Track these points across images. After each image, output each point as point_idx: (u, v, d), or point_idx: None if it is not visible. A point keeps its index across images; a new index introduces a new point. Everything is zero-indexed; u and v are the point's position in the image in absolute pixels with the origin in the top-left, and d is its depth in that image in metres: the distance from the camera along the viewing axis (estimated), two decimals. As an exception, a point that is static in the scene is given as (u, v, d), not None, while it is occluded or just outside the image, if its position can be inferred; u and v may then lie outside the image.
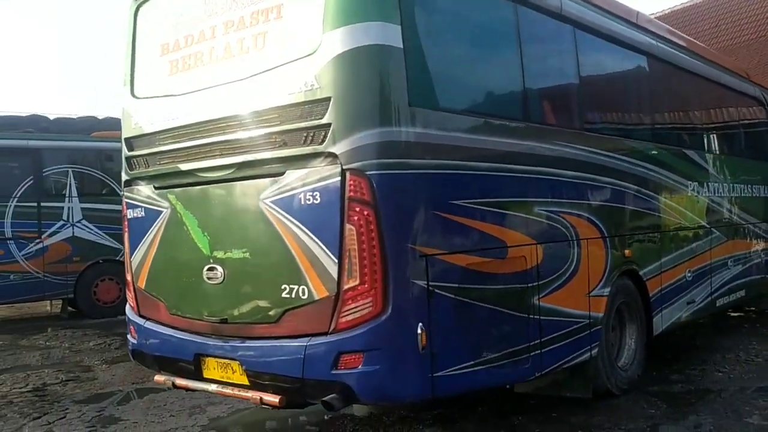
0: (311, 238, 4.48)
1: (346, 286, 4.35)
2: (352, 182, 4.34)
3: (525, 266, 5.39)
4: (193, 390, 5.20)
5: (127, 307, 5.77)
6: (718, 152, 9.24)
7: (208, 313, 5.05)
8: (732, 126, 10.20)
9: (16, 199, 12.87)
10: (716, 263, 8.58)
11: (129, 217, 5.70)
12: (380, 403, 5.29)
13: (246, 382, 4.79)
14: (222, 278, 4.92)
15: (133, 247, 5.64)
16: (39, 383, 8.06)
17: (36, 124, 14.31)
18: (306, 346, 4.45)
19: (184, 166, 5.17)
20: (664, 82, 7.90)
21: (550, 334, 5.59)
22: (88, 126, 14.63)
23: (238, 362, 4.81)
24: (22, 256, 12.88)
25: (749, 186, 9.90)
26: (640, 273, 6.95)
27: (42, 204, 13.06)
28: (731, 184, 9.26)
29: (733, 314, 10.73)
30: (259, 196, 4.75)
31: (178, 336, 5.22)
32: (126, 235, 5.73)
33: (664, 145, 7.75)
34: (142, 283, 5.56)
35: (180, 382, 5.18)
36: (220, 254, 4.96)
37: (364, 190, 4.33)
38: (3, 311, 14.56)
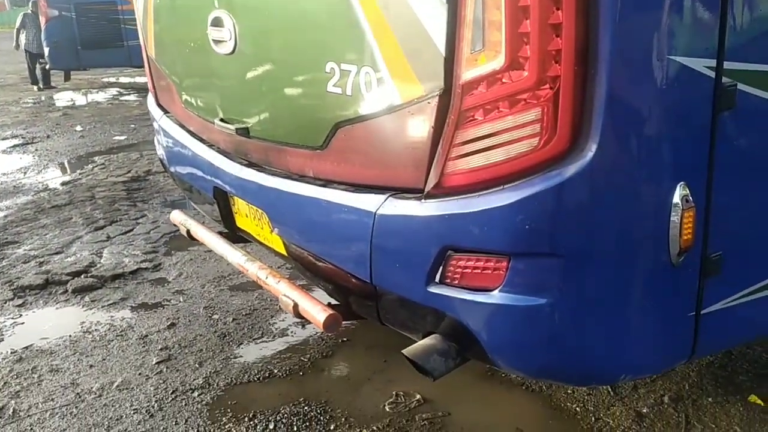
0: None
1: (468, 72, 1.53)
2: None
3: None
4: (211, 250, 2.92)
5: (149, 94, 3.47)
6: None
7: (223, 111, 2.56)
8: None
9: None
10: None
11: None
12: (550, 381, 2.57)
13: (283, 251, 2.39)
14: (232, 41, 2.30)
15: (136, -18, 3.14)
16: (143, 171, 6.51)
17: None
18: (375, 214, 1.82)
19: None
20: None
21: None
22: None
23: (267, 216, 2.37)
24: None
25: None
26: None
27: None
28: None
29: None
30: None
31: (193, 149, 2.84)
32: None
33: None
34: (151, 49, 3.14)
35: (195, 231, 2.92)
36: (225, -11, 2.29)
37: None
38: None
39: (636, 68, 1.47)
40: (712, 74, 1.54)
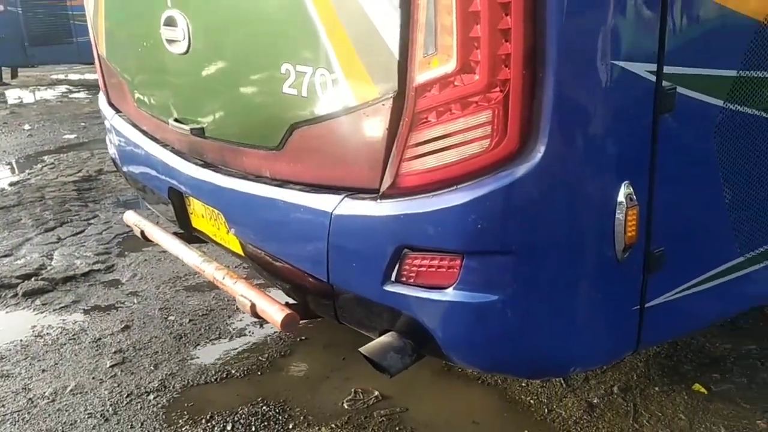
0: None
1: (421, 75, 1.57)
2: None
3: None
4: (167, 251, 2.90)
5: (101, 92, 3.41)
6: None
7: (177, 111, 2.54)
8: None
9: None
10: None
11: None
12: (503, 374, 2.65)
13: (240, 251, 2.39)
14: (186, 41, 2.29)
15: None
16: (94, 170, 6.37)
17: None
18: (331, 214, 1.84)
19: None
20: None
21: None
22: None
23: (223, 217, 2.37)
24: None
25: None
26: None
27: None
28: None
29: None
30: None
31: (147, 149, 2.81)
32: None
33: None
34: (102, 47, 3.09)
35: (150, 232, 2.89)
36: (179, -11, 2.28)
37: None
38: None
39: (581, 72, 1.53)
40: (653, 78, 1.61)
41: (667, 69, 1.62)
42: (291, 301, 2.29)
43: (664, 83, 1.63)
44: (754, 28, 1.81)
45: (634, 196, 1.64)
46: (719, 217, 1.93)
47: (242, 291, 2.24)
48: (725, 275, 2.01)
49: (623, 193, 1.62)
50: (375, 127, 1.70)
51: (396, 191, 1.69)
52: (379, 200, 1.74)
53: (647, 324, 1.81)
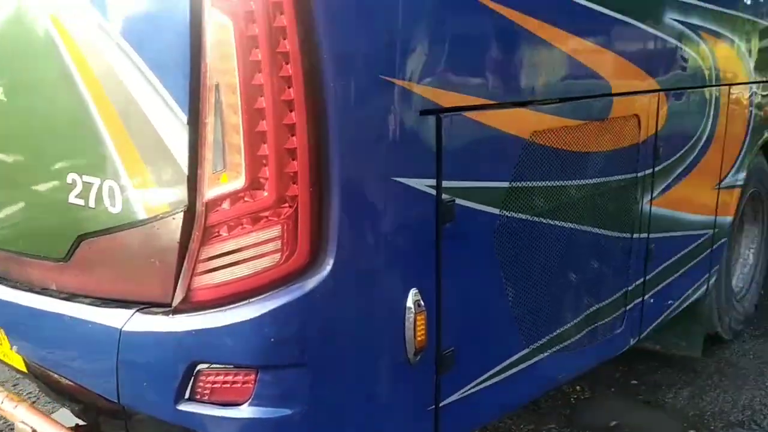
0: (123, 53, 1.63)
1: (210, 191, 1.58)
2: None
3: (637, 136, 2.61)
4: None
5: None
6: None
7: (-48, 217, 2.31)
8: None
9: None
10: None
11: None
12: None
13: (24, 369, 2.18)
14: (-39, 143, 2.12)
15: None
16: None
17: None
18: (121, 330, 1.74)
19: None
20: None
21: (658, 266, 2.96)
22: None
23: (4, 332, 2.15)
24: None
25: None
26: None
27: None
28: None
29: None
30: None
31: None
32: None
33: None
34: None
35: None
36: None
37: None
38: None
39: (365, 189, 1.62)
40: (433, 192, 1.75)
41: (445, 183, 1.77)
42: (81, 422, 2.10)
43: (444, 196, 1.77)
44: (521, 145, 2.04)
45: (422, 302, 1.73)
46: (504, 314, 2.09)
47: (23, 416, 2.03)
48: (515, 366, 2.16)
49: (411, 300, 1.71)
50: (166, 241, 1.66)
51: (188, 306, 1.65)
52: (171, 315, 1.67)
53: (443, 422, 1.89)
